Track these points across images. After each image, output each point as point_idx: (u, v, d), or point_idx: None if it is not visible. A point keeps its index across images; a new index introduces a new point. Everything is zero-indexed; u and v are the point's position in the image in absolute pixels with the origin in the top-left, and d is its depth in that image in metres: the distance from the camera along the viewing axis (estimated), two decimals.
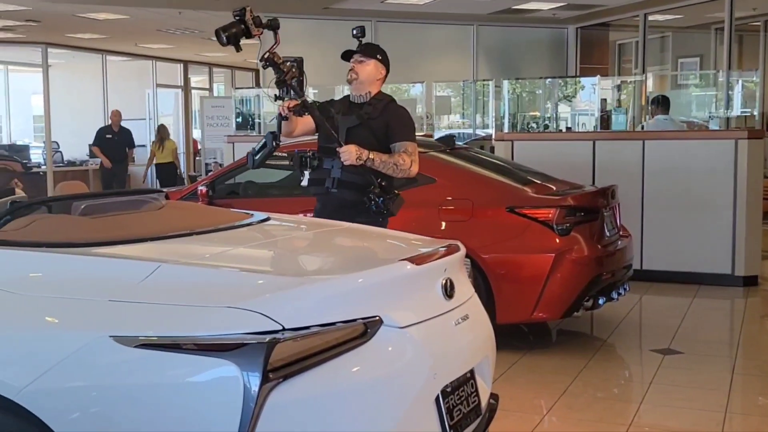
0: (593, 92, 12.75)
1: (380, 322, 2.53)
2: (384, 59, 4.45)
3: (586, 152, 8.23)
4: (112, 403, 2.30)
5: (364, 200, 4.19)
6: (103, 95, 17.68)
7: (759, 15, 13.29)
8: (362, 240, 3.49)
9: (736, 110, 11.59)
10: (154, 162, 14.60)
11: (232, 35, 3.95)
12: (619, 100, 12.87)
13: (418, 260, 2.83)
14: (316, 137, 4.51)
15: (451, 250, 3.04)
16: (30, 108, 19.89)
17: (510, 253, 5.52)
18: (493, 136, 10.22)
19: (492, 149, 9.22)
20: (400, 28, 13.49)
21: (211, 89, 21.83)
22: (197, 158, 17.74)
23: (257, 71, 17.65)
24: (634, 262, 6.43)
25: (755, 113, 11.47)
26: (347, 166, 4.18)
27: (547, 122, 12.96)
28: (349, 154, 4.15)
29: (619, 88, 13.09)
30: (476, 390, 2.96)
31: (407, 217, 4.67)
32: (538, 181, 6.04)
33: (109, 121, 14.08)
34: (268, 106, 12.26)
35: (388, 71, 4.49)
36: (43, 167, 15.40)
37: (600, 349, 5.79)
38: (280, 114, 4.25)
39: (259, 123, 12.82)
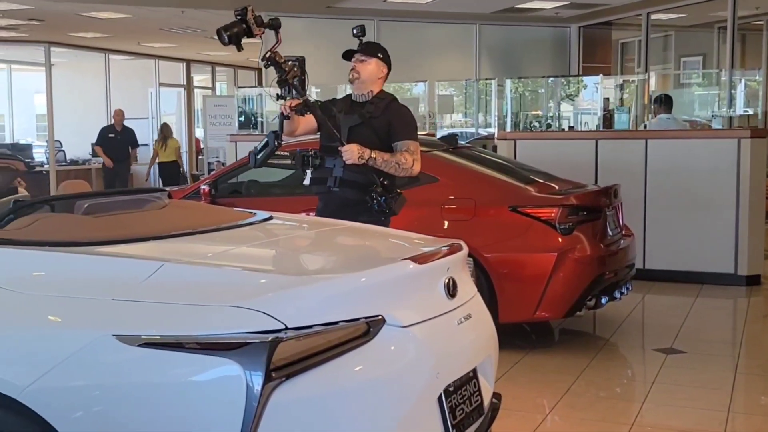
0: (596, 91, 12.75)
1: (383, 321, 2.53)
2: (385, 58, 4.45)
3: (588, 151, 8.22)
4: (115, 402, 2.30)
5: (366, 199, 4.19)
6: (106, 94, 17.69)
7: (762, 14, 13.27)
8: (365, 239, 3.49)
9: (739, 109, 11.58)
10: (157, 161, 14.60)
11: (233, 34, 3.95)
12: (621, 99, 12.87)
13: (420, 259, 2.83)
14: (318, 136, 4.51)
15: (453, 250, 3.04)
16: (33, 107, 19.91)
17: (512, 252, 5.51)
18: (496, 135, 10.21)
19: (494, 148, 9.22)
20: (403, 27, 13.50)
21: (213, 88, 21.84)
22: (200, 157, 17.76)
23: (260, 70, 17.66)
24: (636, 262, 6.43)
25: (758, 112, 11.46)
26: (349, 165, 4.18)
27: (549, 121, 12.96)
28: (351, 153, 4.15)
29: (621, 87, 13.08)
30: (479, 389, 2.96)
31: (410, 216, 4.67)
32: (541, 181, 6.04)
33: (112, 121, 14.07)
34: (270, 105, 12.27)
35: (389, 70, 4.49)
36: (46, 166, 15.43)
37: (602, 349, 5.79)
38: (281, 113, 4.25)
39: (262, 122, 12.83)
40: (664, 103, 9.39)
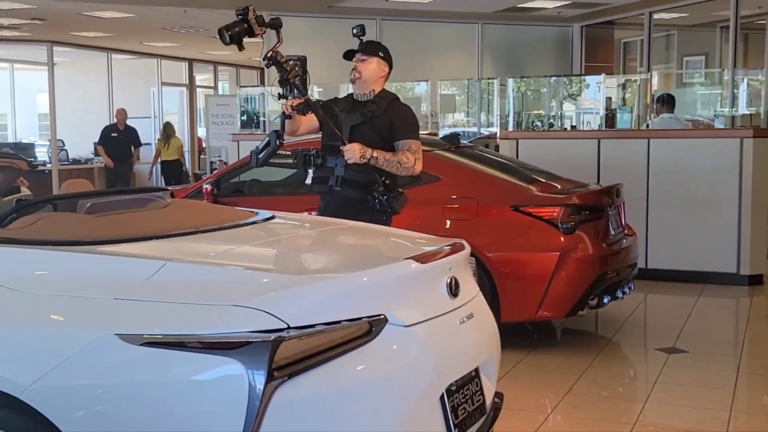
0: (598, 91, 12.75)
1: (385, 320, 2.53)
2: (386, 56, 4.45)
3: (590, 151, 8.22)
4: (117, 401, 2.31)
5: (367, 198, 4.19)
6: (109, 93, 17.70)
7: (765, 13, 13.25)
8: (367, 238, 3.49)
9: (742, 109, 11.57)
10: (160, 159, 14.61)
11: (235, 34, 3.95)
12: (624, 99, 12.86)
13: (422, 259, 2.83)
14: (320, 136, 4.51)
15: (455, 249, 3.04)
16: (35, 106, 19.94)
17: (515, 251, 5.51)
18: (498, 135, 10.21)
19: (497, 148, 9.22)
20: (405, 26, 13.49)
21: (216, 87, 21.86)
22: (202, 156, 17.77)
23: (262, 70, 17.66)
24: (639, 261, 6.43)
25: (761, 112, 11.44)
26: (351, 164, 4.18)
27: (551, 121, 12.96)
28: (353, 152, 4.15)
29: (624, 86, 13.08)
30: (481, 388, 2.96)
31: (412, 215, 4.67)
32: (543, 180, 6.04)
33: (115, 120, 14.07)
34: (272, 104, 12.27)
35: (391, 68, 4.49)
36: (48, 165, 15.44)
37: (605, 348, 5.79)
38: (283, 113, 4.25)
39: (264, 121, 12.84)
40: (667, 102, 9.38)
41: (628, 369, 5.62)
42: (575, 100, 13.52)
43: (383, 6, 12.63)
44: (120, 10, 13.05)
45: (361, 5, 12.53)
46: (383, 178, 4.23)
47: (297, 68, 4.07)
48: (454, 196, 5.70)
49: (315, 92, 11.37)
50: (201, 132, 19.03)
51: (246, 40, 4.00)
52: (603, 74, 12.99)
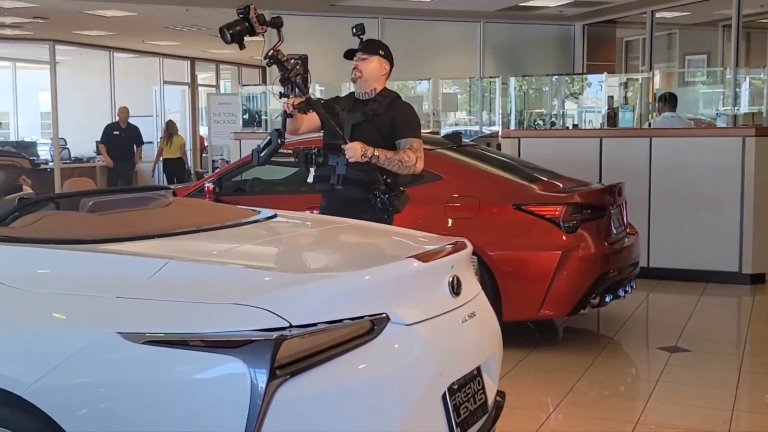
0: (600, 89, 12.74)
1: (387, 319, 2.53)
2: (387, 54, 4.44)
3: (592, 149, 8.22)
4: (119, 399, 2.31)
5: (369, 197, 4.19)
6: (110, 92, 17.71)
7: (767, 12, 13.24)
8: (369, 237, 3.49)
9: (744, 107, 11.55)
10: (162, 157, 14.63)
11: (236, 33, 3.96)
12: (626, 98, 12.85)
13: (424, 257, 2.83)
14: (322, 134, 4.51)
15: (457, 248, 3.04)
16: (37, 105, 19.96)
17: (517, 250, 5.51)
18: (500, 134, 10.21)
19: (498, 146, 9.22)
20: (407, 25, 13.49)
21: (218, 86, 21.86)
22: (204, 155, 17.77)
23: (264, 68, 17.66)
24: (641, 260, 6.43)
25: (763, 110, 11.43)
26: (352, 163, 4.18)
27: (553, 119, 12.95)
28: (354, 151, 4.15)
29: (626, 85, 13.06)
30: (483, 387, 2.96)
31: (414, 214, 4.67)
32: (545, 179, 6.03)
33: (117, 118, 14.06)
34: (274, 103, 12.26)
35: (392, 66, 4.48)
36: (51, 164, 15.46)
37: (607, 347, 5.79)
38: (284, 111, 4.25)
39: (266, 120, 12.83)
40: (669, 101, 9.37)
41: (630, 368, 5.62)
42: (577, 98, 13.52)
43: (385, 5, 12.62)
44: (122, 9, 13.06)
45: (363, 4, 12.52)
46: (384, 177, 4.22)
47: (298, 67, 4.07)
48: (456, 195, 5.70)
49: (317, 91, 11.37)
50: (203, 130, 19.05)
51: (247, 38, 4.00)
52: (605, 73, 12.98)
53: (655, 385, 4.89)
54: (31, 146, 16.61)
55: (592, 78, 13.31)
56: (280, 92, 4.18)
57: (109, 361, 2.32)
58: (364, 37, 4.40)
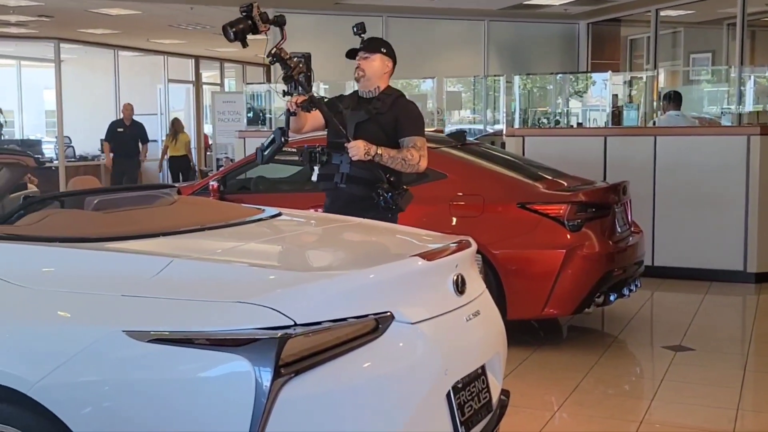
0: (604, 88, 12.70)
1: (391, 317, 2.53)
2: (389, 52, 4.43)
3: (597, 148, 8.21)
4: (124, 397, 2.31)
5: (372, 195, 4.19)
6: (115, 90, 17.73)
7: None
8: (373, 235, 3.49)
9: (749, 106, 11.52)
10: (168, 155, 14.64)
11: (239, 31, 3.96)
12: (630, 96, 12.82)
13: (429, 256, 2.83)
14: (326, 133, 4.51)
15: (462, 246, 3.04)
16: (42, 103, 19.97)
17: (521, 249, 5.51)
18: (504, 132, 10.19)
19: (503, 145, 9.20)
20: (411, 23, 13.48)
21: (222, 84, 21.87)
22: (208, 153, 17.78)
23: (268, 67, 17.62)
24: (645, 259, 6.42)
25: (767, 109, 11.40)
26: (356, 161, 4.18)
27: (558, 118, 12.92)
28: (357, 149, 4.15)
29: (630, 83, 13.03)
30: (487, 386, 2.96)
31: (418, 212, 4.67)
32: (549, 177, 6.03)
33: (121, 115, 14.04)
34: (278, 101, 12.26)
35: (395, 63, 4.47)
36: (55, 162, 15.47)
37: (611, 346, 5.79)
38: (288, 110, 4.25)
39: (270, 118, 12.83)
40: (673, 99, 9.35)
41: (634, 367, 5.61)
42: (581, 97, 13.49)
43: (389, 3, 12.61)
44: (127, 7, 13.07)
45: (367, 2, 12.52)
46: (388, 176, 4.22)
47: (301, 65, 4.08)
48: (461, 193, 5.70)
49: (321, 89, 11.37)
50: (207, 129, 19.05)
51: (250, 37, 4.00)
52: (609, 71, 12.94)
53: (660, 383, 4.88)
54: (36, 144, 16.64)
55: (596, 76, 13.28)
56: (284, 90, 4.18)
57: (113, 360, 2.32)
58: (365, 36, 4.40)
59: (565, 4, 13.02)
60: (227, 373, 2.27)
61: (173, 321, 2.34)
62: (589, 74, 13.72)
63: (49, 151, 16.80)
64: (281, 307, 2.32)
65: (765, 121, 10.91)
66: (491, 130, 12.62)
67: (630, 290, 5.80)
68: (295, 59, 4.07)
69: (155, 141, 16.06)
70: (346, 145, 4.18)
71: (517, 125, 12.10)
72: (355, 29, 4.31)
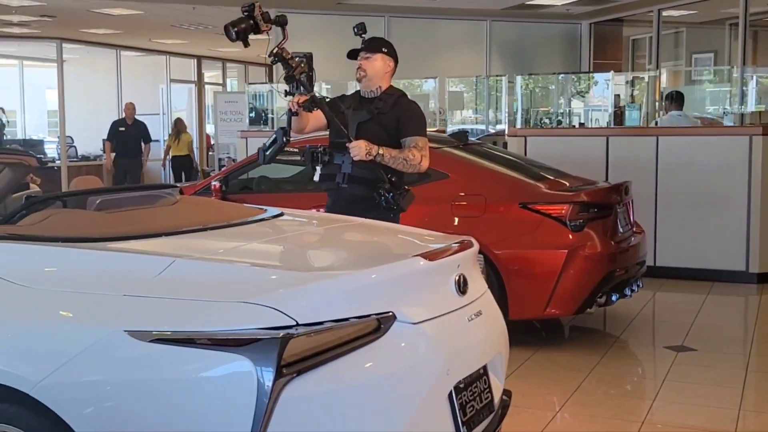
0: (606, 88, 12.70)
1: (393, 317, 2.53)
2: (390, 51, 4.43)
3: (599, 148, 8.21)
4: (126, 397, 2.31)
5: (374, 196, 4.19)
6: (117, 90, 17.74)
7: None
8: (375, 235, 3.49)
9: (751, 106, 11.51)
10: (171, 155, 14.64)
11: (240, 30, 3.97)
12: (632, 96, 12.81)
13: (431, 256, 2.83)
14: (328, 133, 4.51)
15: (464, 246, 3.04)
16: (44, 103, 19.99)
17: (523, 249, 5.51)
18: (506, 132, 10.19)
19: (505, 145, 9.20)
20: (413, 23, 13.48)
21: (224, 84, 21.88)
22: (210, 153, 17.78)
23: (270, 66, 17.66)
24: (647, 259, 6.42)
25: None
26: (357, 161, 4.18)
27: (560, 118, 12.91)
28: (359, 149, 4.15)
29: (632, 83, 13.02)
30: (489, 386, 2.96)
31: (420, 212, 4.67)
32: (551, 177, 6.03)
33: (123, 115, 14.03)
34: (281, 101, 12.27)
35: (396, 63, 4.47)
36: (58, 162, 15.48)
37: (613, 346, 5.78)
38: (290, 110, 4.26)
39: (272, 118, 12.83)
40: (676, 100, 9.35)
41: (636, 367, 5.61)
42: (583, 97, 13.47)
43: (391, 3, 12.61)
44: (129, 7, 13.08)
45: (369, 2, 12.52)
46: (389, 176, 4.22)
47: (303, 65, 4.08)
48: (463, 194, 5.70)
49: (323, 89, 11.37)
50: (209, 129, 19.06)
51: (252, 36, 4.01)
52: (611, 71, 12.93)
53: (662, 384, 4.88)
54: (38, 144, 16.65)
55: (598, 76, 13.27)
56: (286, 90, 4.19)
57: (116, 359, 2.32)
58: (366, 36, 4.39)
59: (568, 4, 13.01)
60: (229, 373, 2.27)
61: (175, 321, 2.34)
62: (591, 74, 13.72)
63: (51, 151, 16.81)
64: (283, 307, 2.32)
65: (767, 121, 10.90)
66: (493, 130, 12.62)
67: (632, 290, 5.80)
68: (297, 59, 4.07)
69: (157, 141, 16.07)
70: (347, 145, 4.18)
71: (519, 125, 12.09)
72: (355, 30, 4.31)
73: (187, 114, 19.35)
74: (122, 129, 13.25)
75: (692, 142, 7.99)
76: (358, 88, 4.53)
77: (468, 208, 5.64)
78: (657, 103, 11.68)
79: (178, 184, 4.82)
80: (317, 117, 4.36)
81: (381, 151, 4.19)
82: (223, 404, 2.26)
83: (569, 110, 13.06)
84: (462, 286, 2.86)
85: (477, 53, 14.11)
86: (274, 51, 4.04)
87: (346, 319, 2.41)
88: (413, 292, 2.68)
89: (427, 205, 5.23)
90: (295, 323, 2.30)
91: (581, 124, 12.79)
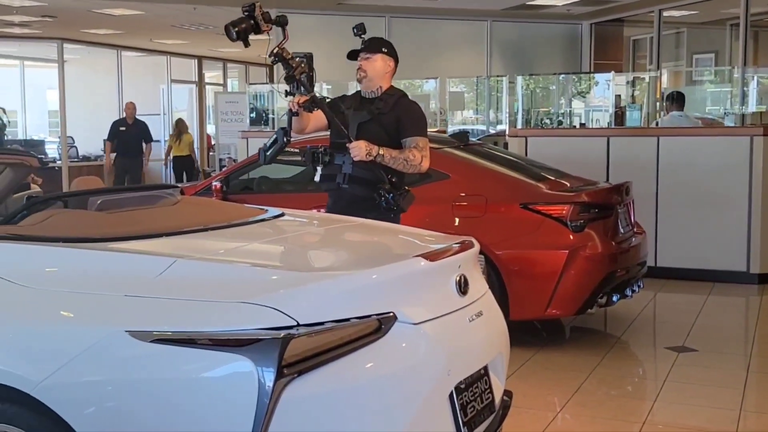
0: (607, 88, 12.70)
1: (394, 318, 2.53)
2: (390, 51, 4.43)
3: (600, 148, 8.21)
4: (127, 397, 2.31)
5: (374, 196, 4.19)
6: (118, 90, 17.74)
7: None
8: (376, 236, 3.49)
9: (752, 106, 11.51)
10: (172, 155, 14.65)
11: (241, 30, 3.97)
12: (633, 96, 12.81)
13: (432, 256, 2.83)
14: (329, 133, 4.51)
15: (465, 247, 3.04)
16: (45, 103, 20.00)
17: (524, 249, 5.51)
18: (507, 132, 10.20)
19: (506, 145, 9.20)
20: (414, 23, 13.48)
21: (225, 85, 21.89)
22: (211, 153, 17.79)
23: (271, 67, 17.66)
24: (648, 259, 6.42)
25: None
26: (357, 161, 4.18)
27: (560, 118, 12.92)
28: (359, 149, 4.15)
29: (633, 84, 13.03)
30: (490, 387, 2.96)
31: (421, 212, 4.67)
32: (552, 178, 6.03)
33: (124, 115, 14.01)
34: (281, 101, 12.27)
35: (396, 63, 4.46)
36: (59, 162, 15.49)
37: (614, 347, 5.78)
38: (290, 110, 4.26)
39: (273, 118, 12.84)
40: (676, 100, 9.34)
41: (637, 367, 5.61)
42: (584, 97, 13.48)
43: (392, 3, 12.61)
44: (130, 8, 13.08)
45: (370, 2, 12.52)
46: (389, 176, 4.22)
47: (303, 65, 4.08)
48: (463, 194, 5.70)
49: (324, 89, 11.37)
50: (210, 129, 19.07)
51: (253, 37, 4.01)
52: (612, 72, 12.95)
53: (663, 384, 4.88)
54: (39, 144, 16.66)
55: (599, 77, 13.28)
56: (286, 90, 4.19)
57: (116, 360, 2.32)
58: (366, 37, 4.39)
59: (568, 5, 13.02)
60: (230, 374, 2.27)
61: (176, 321, 2.34)
62: (592, 75, 13.72)
63: (52, 151, 16.82)
64: (284, 308, 2.32)
65: None
66: (494, 131, 12.63)
67: (633, 291, 5.80)
68: (297, 59, 4.08)
69: (158, 141, 16.07)
70: (347, 145, 4.18)
71: (519, 126, 12.09)
72: (355, 30, 4.31)
73: (187, 114, 19.35)
74: (123, 129, 13.22)
75: (693, 142, 7.99)
76: (359, 89, 4.53)
77: (469, 209, 5.64)
78: (658, 104, 11.68)
79: (179, 185, 4.83)
80: (318, 117, 4.36)
81: (381, 152, 4.19)
82: (224, 404, 2.26)
83: (570, 111, 13.07)
84: (463, 287, 2.86)
85: (478, 53, 14.11)
86: (275, 51, 4.04)
87: (347, 320, 2.41)
88: (414, 293, 2.68)
89: (428, 206, 5.23)
90: (296, 323, 2.30)
91: (582, 125, 12.79)
